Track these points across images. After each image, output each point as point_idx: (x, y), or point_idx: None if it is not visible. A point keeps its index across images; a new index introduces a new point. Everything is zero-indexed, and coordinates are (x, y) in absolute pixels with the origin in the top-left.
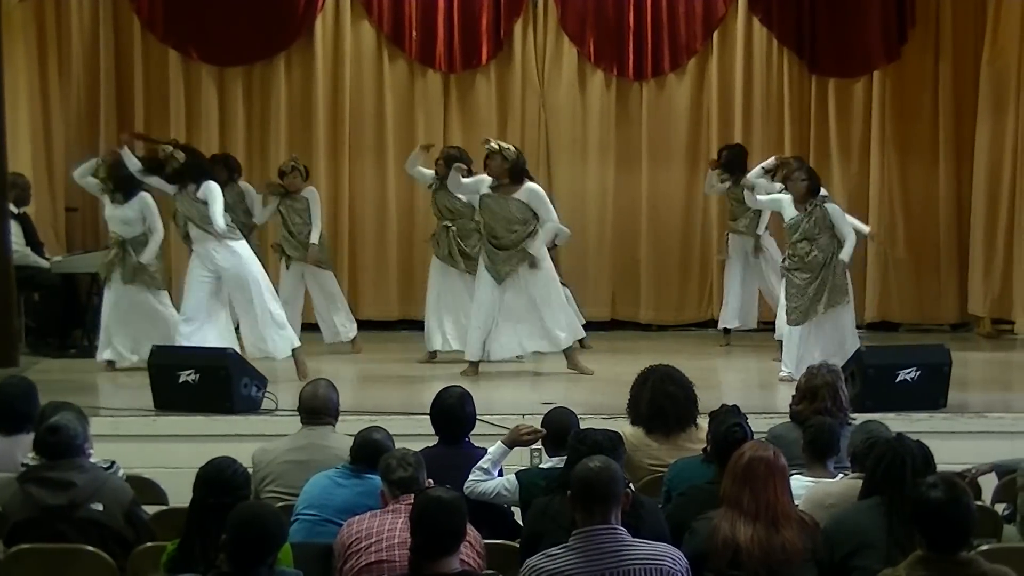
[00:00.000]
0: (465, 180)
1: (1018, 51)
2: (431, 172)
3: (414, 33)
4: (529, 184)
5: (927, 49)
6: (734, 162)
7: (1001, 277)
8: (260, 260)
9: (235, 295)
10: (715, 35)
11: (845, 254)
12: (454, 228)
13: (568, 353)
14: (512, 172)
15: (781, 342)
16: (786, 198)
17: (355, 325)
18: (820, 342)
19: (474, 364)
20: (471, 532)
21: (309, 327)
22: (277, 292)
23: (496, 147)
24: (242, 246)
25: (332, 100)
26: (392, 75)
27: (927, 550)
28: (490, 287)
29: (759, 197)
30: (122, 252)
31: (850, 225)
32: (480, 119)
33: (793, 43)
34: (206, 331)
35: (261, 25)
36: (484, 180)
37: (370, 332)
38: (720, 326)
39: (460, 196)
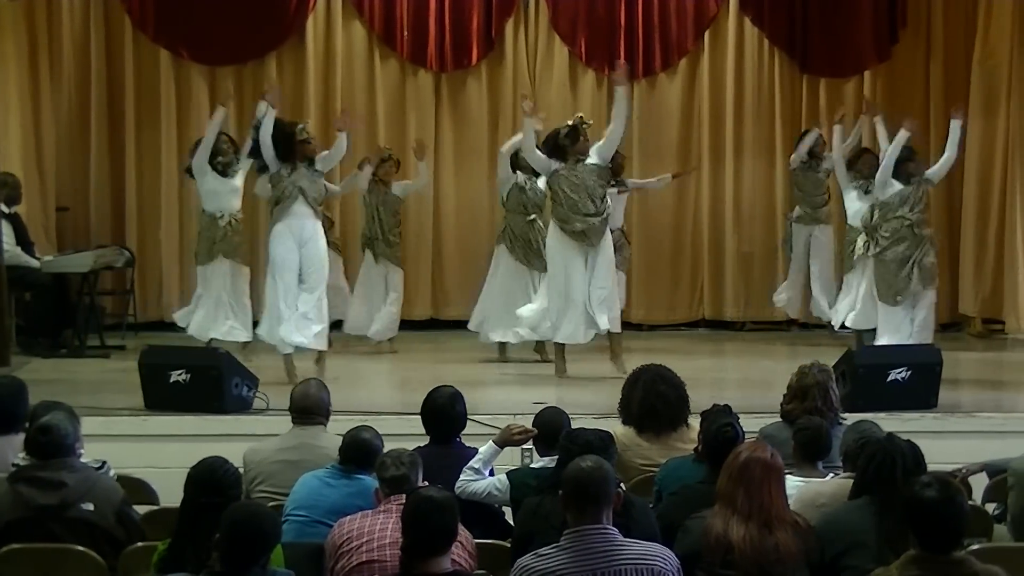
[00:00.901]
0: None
1: (1009, 51)
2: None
3: (405, 33)
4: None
5: (918, 49)
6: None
7: (992, 277)
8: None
9: (311, 271)
10: (706, 35)
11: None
12: (539, 221)
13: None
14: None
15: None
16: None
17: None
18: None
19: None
20: (462, 532)
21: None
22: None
23: (590, 124)
24: None
25: (323, 100)
26: (383, 75)
27: (920, 549)
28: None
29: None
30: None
31: None
32: (471, 119)
33: (784, 43)
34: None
35: (252, 25)
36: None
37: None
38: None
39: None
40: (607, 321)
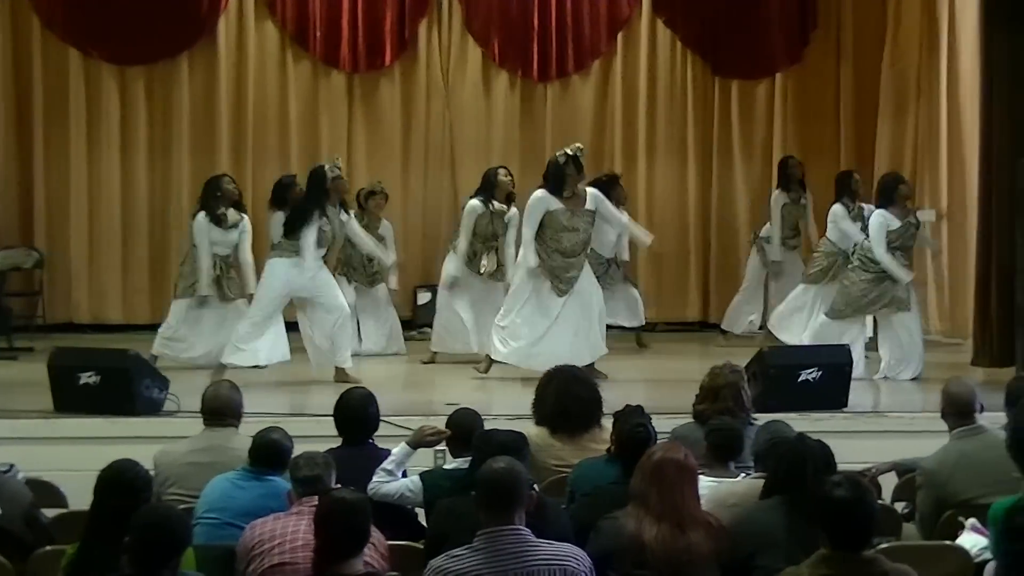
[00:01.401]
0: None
1: (918, 54)
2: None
3: (318, 33)
4: (590, 190)
5: (829, 51)
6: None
7: None
8: None
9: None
10: (620, 37)
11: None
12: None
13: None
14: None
15: None
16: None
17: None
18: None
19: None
20: (375, 534)
21: None
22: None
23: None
24: None
25: (235, 100)
26: (296, 75)
27: (831, 548)
28: (552, 301)
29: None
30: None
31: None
32: (384, 120)
33: (697, 45)
34: None
35: (163, 24)
36: (545, 198)
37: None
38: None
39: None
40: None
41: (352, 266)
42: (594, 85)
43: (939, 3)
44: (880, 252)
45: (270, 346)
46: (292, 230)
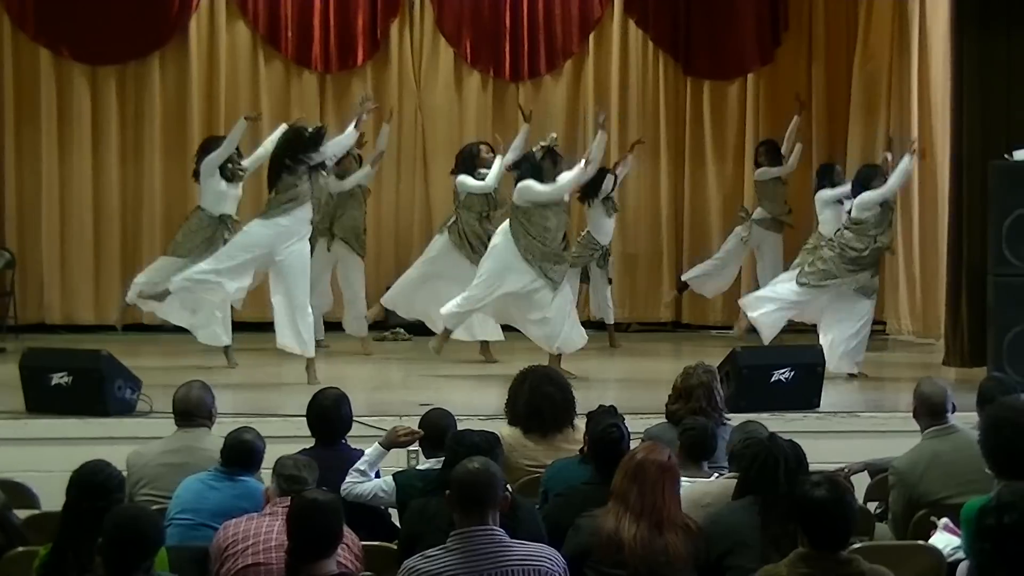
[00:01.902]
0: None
1: (889, 54)
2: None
3: (290, 33)
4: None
5: (800, 52)
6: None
7: None
8: None
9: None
10: (591, 37)
11: None
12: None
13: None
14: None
15: None
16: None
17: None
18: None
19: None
20: (349, 535)
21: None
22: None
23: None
24: None
25: (207, 100)
26: (268, 75)
27: (809, 547)
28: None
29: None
30: None
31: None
32: None
33: (668, 45)
34: None
35: (135, 24)
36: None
37: (249, 335)
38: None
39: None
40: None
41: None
42: (566, 85)
43: (910, 4)
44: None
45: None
46: None
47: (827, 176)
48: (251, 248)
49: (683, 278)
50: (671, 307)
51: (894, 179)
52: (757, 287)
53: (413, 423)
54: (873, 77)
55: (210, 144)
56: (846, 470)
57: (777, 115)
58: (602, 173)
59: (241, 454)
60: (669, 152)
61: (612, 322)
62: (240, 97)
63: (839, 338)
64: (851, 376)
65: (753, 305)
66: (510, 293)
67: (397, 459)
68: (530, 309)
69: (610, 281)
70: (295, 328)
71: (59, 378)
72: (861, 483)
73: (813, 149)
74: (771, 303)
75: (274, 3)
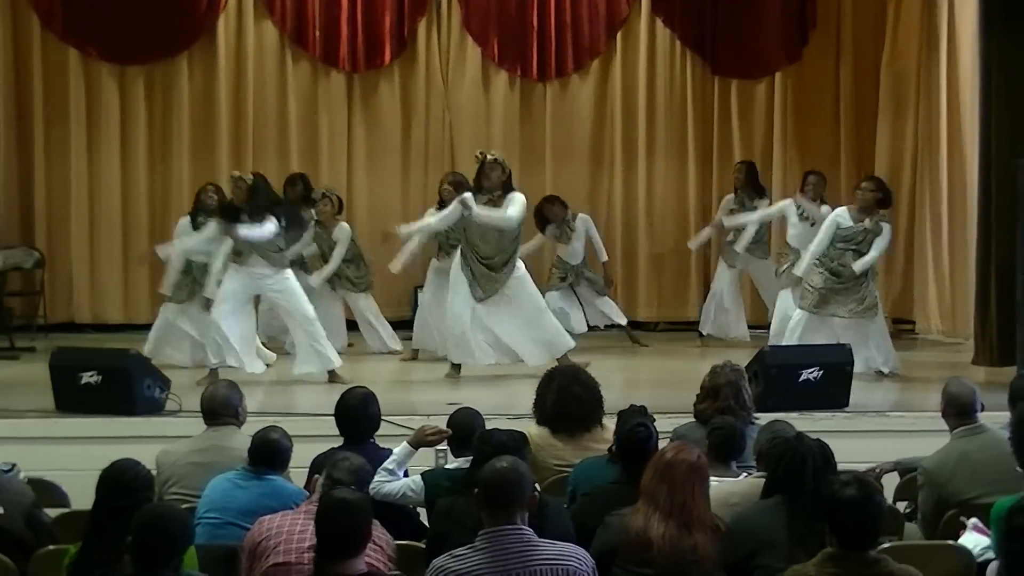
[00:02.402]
0: (443, 212)
1: (917, 54)
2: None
3: (317, 33)
4: (515, 194)
5: (828, 51)
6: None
7: (902, 277)
8: None
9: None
10: (618, 36)
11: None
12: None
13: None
14: (506, 184)
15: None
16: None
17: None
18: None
19: (456, 367)
20: (383, 536)
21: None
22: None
23: (496, 157)
24: None
25: (234, 100)
26: (295, 75)
27: (837, 547)
28: (467, 298)
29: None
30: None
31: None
32: (384, 119)
33: (696, 44)
34: None
35: (163, 24)
36: (468, 198)
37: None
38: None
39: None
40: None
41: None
42: (593, 84)
43: (938, 3)
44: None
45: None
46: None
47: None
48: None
49: (703, 332)
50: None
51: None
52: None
53: (441, 422)
54: (901, 76)
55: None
56: (878, 470)
57: (805, 115)
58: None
59: (268, 453)
60: (696, 151)
61: (625, 322)
62: (267, 97)
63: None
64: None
65: None
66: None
67: (425, 458)
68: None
69: (601, 292)
70: (311, 350)
71: (88, 377)
72: (890, 483)
73: (840, 149)
74: None
75: (301, 3)
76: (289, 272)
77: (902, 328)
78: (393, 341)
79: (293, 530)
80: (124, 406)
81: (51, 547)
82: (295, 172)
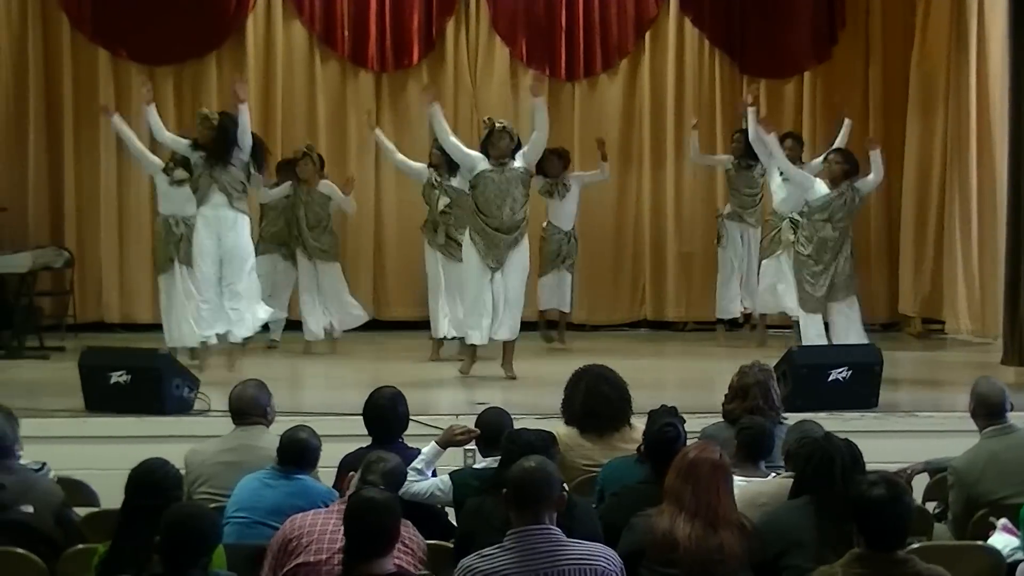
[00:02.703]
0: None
1: (946, 53)
2: (421, 165)
3: (346, 33)
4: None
5: (857, 50)
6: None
7: (931, 277)
8: None
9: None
10: (647, 36)
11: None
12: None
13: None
14: (515, 151)
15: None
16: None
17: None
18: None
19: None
20: (414, 538)
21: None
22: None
23: (505, 124)
24: None
25: (264, 100)
26: (324, 75)
27: (865, 548)
28: (483, 273)
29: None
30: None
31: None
32: (412, 119)
33: (724, 44)
34: None
35: (192, 24)
36: (480, 158)
37: (295, 333)
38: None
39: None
40: (505, 331)
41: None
42: (621, 84)
43: (968, 2)
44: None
45: None
46: None
47: None
48: None
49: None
50: None
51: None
52: None
53: (469, 422)
54: (930, 75)
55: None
56: (909, 471)
57: (834, 114)
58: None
59: (296, 453)
60: (725, 151)
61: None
62: (296, 97)
63: None
64: None
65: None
66: None
67: (454, 458)
68: None
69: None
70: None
71: (118, 377)
72: (920, 483)
73: None
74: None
75: (330, 3)
76: (246, 221)
77: (931, 328)
78: (343, 322)
79: (325, 530)
80: (153, 405)
81: (80, 546)
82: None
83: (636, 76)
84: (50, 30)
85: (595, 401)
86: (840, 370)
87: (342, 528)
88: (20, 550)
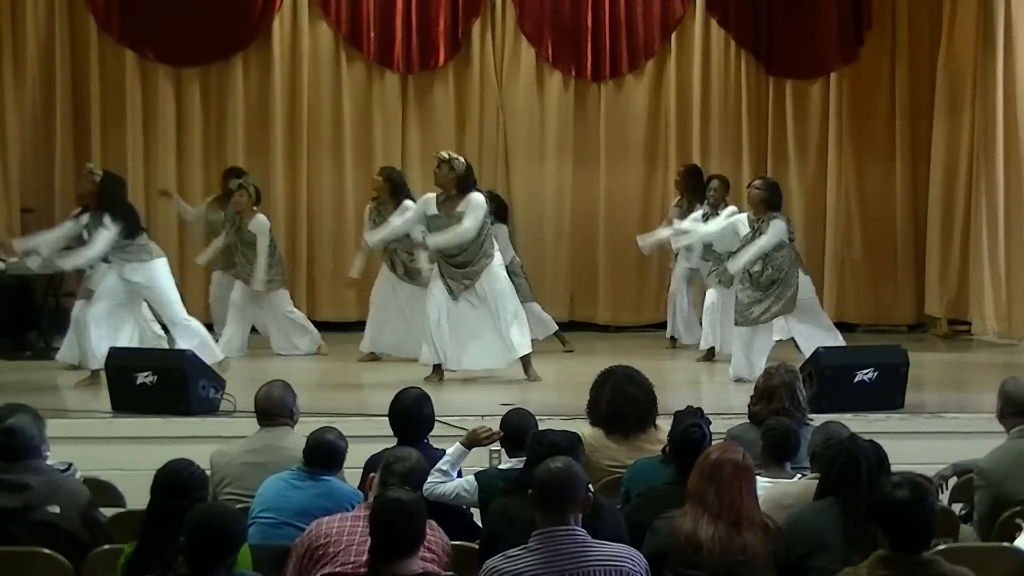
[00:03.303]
0: (406, 215)
1: (973, 53)
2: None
3: (372, 34)
4: (473, 195)
5: (883, 51)
6: (697, 185)
7: (957, 278)
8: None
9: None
10: (673, 36)
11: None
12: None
13: (525, 360)
14: (459, 183)
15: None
16: (740, 218)
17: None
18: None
19: (438, 369)
20: (439, 541)
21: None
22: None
23: (446, 156)
24: None
25: (289, 101)
26: (350, 76)
27: (890, 549)
28: (444, 297)
29: (710, 228)
30: None
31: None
32: (438, 120)
33: (750, 45)
34: None
35: (218, 25)
36: (428, 200)
37: (327, 334)
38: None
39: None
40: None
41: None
42: (647, 85)
43: (995, 2)
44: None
45: None
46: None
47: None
48: None
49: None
50: None
51: None
52: None
53: (495, 423)
54: (957, 75)
55: None
56: (936, 478)
57: (860, 115)
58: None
59: (323, 454)
60: (751, 152)
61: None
62: (322, 98)
63: None
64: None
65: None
66: None
67: (479, 459)
68: None
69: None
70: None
71: (144, 377)
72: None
73: (896, 149)
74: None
75: (356, 4)
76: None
77: (957, 329)
78: (304, 342)
79: (352, 539)
80: (179, 406)
81: (106, 546)
82: (231, 167)
83: (662, 77)
84: (77, 32)
85: (621, 402)
86: (866, 371)
87: (368, 536)
88: (47, 550)
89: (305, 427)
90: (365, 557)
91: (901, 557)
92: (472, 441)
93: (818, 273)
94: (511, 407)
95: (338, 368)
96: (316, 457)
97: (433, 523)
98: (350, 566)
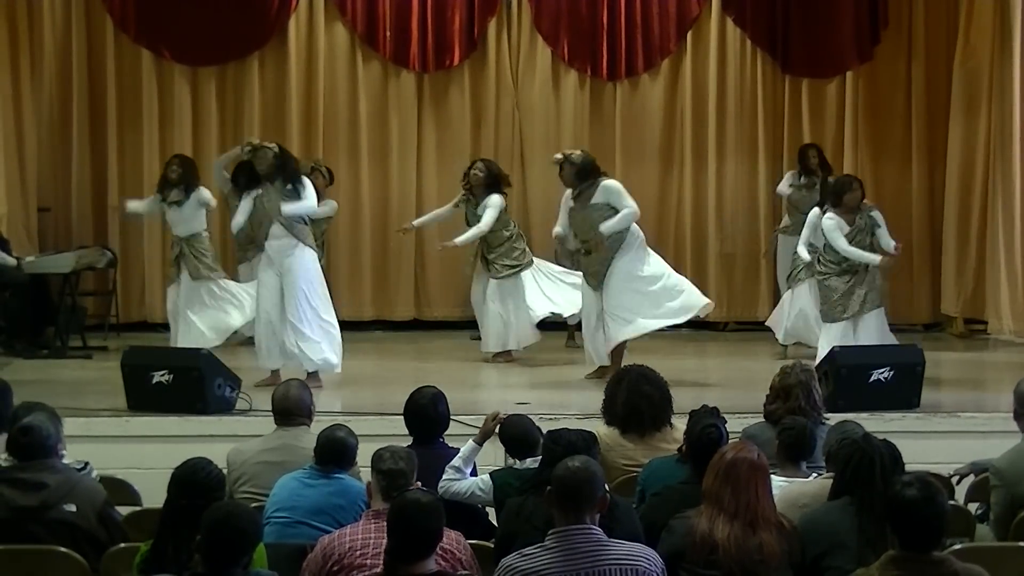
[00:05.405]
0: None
1: (990, 52)
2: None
3: (388, 33)
4: (604, 182)
5: (900, 50)
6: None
7: (974, 277)
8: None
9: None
10: (689, 36)
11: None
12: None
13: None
14: (581, 174)
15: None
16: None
17: None
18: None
19: (601, 368)
20: (459, 541)
21: None
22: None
23: (561, 157)
24: None
25: (306, 100)
26: (366, 75)
27: (900, 549)
28: (591, 293)
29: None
30: None
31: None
32: (454, 119)
33: (766, 44)
34: None
35: (234, 25)
36: (566, 197)
37: (344, 333)
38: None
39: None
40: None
41: None
42: (663, 84)
43: (1012, 0)
44: (843, 247)
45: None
46: None
47: None
48: None
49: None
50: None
51: None
52: None
53: None
54: (974, 75)
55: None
56: (956, 475)
57: (876, 114)
58: None
59: (334, 452)
60: (767, 151)
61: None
62: (338, 97)
63: None
64: None
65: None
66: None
67: (495, 457)
68: None
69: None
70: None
71: (160, 376)
72: (962, 484)
73: (912, 149)
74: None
75: (372, 3)
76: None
77: (974, 328)
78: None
79: (366, 552)
80: (195, 405)
81: (123, 545)
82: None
83: (678, 76)
84: (94, 31)
85: (637, 401)
86: (882, 370)
87: (382, 546)
88: (63, 548)
89: (320, 426)
90: (379, 570)
91: (912, 556)
92: (484, 435)
93: None
94: (527, 406)
95: (354, 366)
96: (328, 455)
97: (459, 534)
98: (367, 570)
